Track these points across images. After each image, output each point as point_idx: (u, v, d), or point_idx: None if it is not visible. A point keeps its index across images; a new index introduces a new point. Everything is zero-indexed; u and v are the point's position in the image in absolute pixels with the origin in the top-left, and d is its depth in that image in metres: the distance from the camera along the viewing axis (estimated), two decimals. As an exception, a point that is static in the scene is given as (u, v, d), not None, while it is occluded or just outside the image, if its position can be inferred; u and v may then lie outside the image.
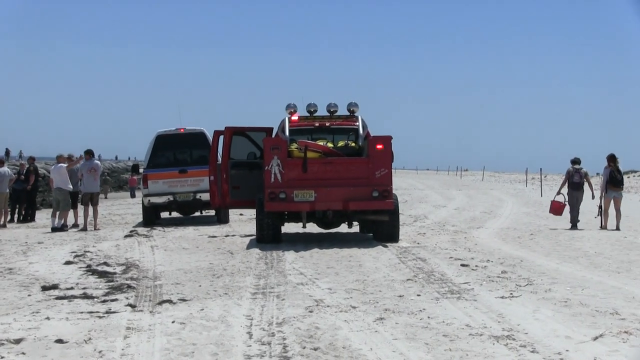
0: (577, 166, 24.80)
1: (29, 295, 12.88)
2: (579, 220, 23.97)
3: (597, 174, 41.56)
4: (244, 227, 24.88)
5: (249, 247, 19.01)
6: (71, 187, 26.29)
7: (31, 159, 33.47)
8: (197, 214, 28.93)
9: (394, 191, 19.65)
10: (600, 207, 24.12)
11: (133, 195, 59.88)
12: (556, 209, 25.28)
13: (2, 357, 8.91)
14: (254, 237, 20.59)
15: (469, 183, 69.37)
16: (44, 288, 13.44)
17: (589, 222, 24.79)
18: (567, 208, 24.58)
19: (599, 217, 24.09)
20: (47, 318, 10.90)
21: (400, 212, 20.80)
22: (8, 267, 16.36)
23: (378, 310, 11.19)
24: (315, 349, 9.03)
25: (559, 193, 24.96)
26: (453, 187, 59.81)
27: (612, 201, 24.04)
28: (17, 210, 31.06)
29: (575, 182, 24.67)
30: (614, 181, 24.38)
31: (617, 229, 23.09)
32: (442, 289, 12.85)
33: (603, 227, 23.68)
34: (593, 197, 24.74)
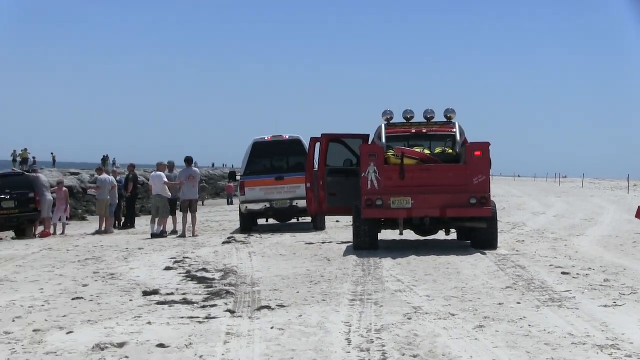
0: None
1: (130, 300, 13.08)
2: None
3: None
4: (340, 234, 24.88)
5: (346, 254, 19.00)
6: (170, 194, 26.65)
7: (131, 167, 34.03)
8: (294, 220, 29.03)
9: (491, 198, 19.46)
10: None
11: (230, 202, 60.45)
12: None
13: (106, 361, 9.07)
14: (350, 244, 20.56)
15: (568, 190, 68.31)
16: (145, 293, 13.64)
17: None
18: None
19: None
20: (149, 323, 11.05)
21: (498, 219, 20.54)
22: (110, 272, 16.65)
23: (477, 318, 11.09)
24: (415, 356, 8.96)
25: None
26: (552, 194, 58.97)
27: None
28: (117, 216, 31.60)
29: None
30: None
31: None
32: (543, 297, 12.66)
33: None
34: None
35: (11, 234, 29.86)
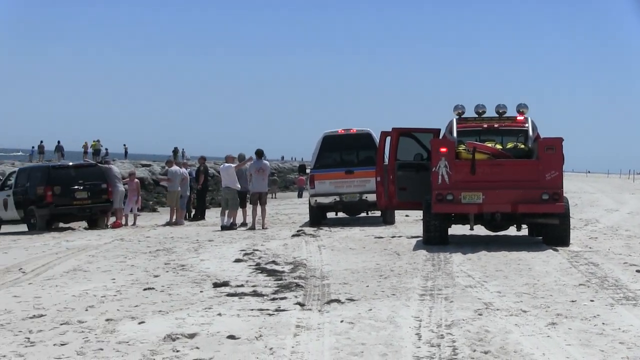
0: None
1: (201, 291, 13.19)
2: None
3: None
4: (410, 228, 24.79)
5: (416, 248, 18.94)
6: (239, 186, 26.78)
7: (202, 159, 34.26)
8: (363, 214, 29.00)
9: (564, 194, 19.26)
10: None
11: (300, 195, 60.49)
12: None
13: (177, 351, 9.14)
14: (420, 238, 20.48)
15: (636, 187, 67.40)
16: (215, 285, 13.74)
17: None
18: None
19: None
20: (219, 314, 11.13)
21: (570, 215, 20.33)
22: (181, 263, 16.80)
23: (550, 315, 10.98)
24: (486, 352, 8.92)
25: None
26: (625, 190, 58.19)
27: None
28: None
29: None
30: None
31: None
32: (617, 295, 12.48)
33: None
34: None
35: (84, 224, 30.29)
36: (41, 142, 76.03)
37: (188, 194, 30.93)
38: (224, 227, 25.81)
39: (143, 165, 60.64)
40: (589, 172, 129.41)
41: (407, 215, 29.11)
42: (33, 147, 78.39)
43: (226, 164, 27.39)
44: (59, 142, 74.29)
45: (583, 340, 9.53)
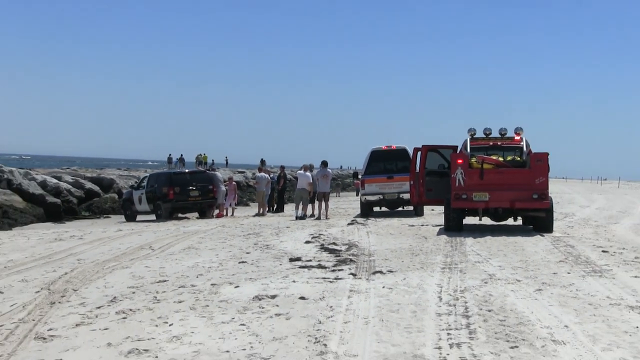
0: None
1: (280, 264, 13.24)
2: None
3: None
4: (435, 219, 24.63)
5: (439, 234, 18.84)
6: (310, 189, 26.97)
7: (282, 168, 34.73)
8: (400, 209, 28.89)
9: (549, 194, 19.17)
10: None
11: (358, 194, 60.07)
12: None
13: (262, 308, 9.24)
14: (442, 226, 20.39)
15: (607, 189, 66.15)
16: (291, 260, 13.78)
17: None
18: None
19: None
20: (293, 281, 11.19)
21: (553, 210, 20.19)
22: (265, 244, 16.88)
23: (537, 283, 10.91)
24: (489, 311, 8.91)
25: None
26: (594, 192, 57.22)
27: None
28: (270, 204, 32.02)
29: None
30: None
31: None
32: (587, 269, 12.36)
33: None
34: None
35: (196, 215, 30.56)
36: (181, 155, 75.21)
37: (270, 192, 31.08)
38: (297, 218, 25.93)
39: (239, 172, 60.84)
40: (566, 178, 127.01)
41: (432, 210, 28.89)
42: (170, 157, 76.31)
43: (302, 171, 27.62)
44: (181, 155, 74.48)
45: (561, 302, 9.48)
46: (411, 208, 27.56)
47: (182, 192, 28.99)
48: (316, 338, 7.71)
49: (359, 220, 24.53)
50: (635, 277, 11.60)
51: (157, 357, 7.23)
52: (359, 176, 28.75)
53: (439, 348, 7.30)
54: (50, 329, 8.47)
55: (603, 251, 14.97)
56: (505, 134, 20.64)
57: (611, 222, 23.43)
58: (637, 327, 8.14)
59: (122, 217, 31.78)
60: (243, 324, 8.40)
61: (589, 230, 20.06)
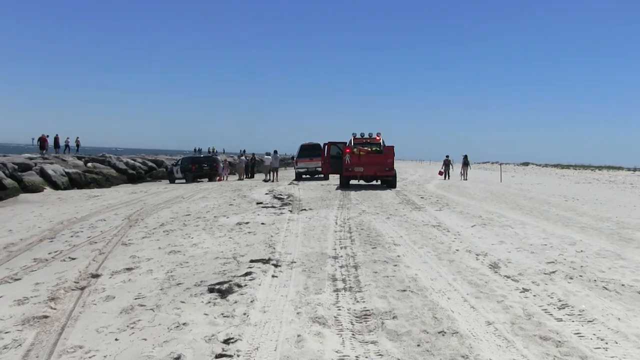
0: (449, 158, 26.84)
1: (251, 206, 13.03)
2: (466, 179, 23.23)
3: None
4: (334, 182, 24.56)
5: (336, 189, 18.81)
6: (269, 165, 26.70)
7: (253, 154, 34.23)
8: (317, 177, 28.60)
9: (395, 168, 19.34)
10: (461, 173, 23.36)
11: (294, 168, 59.10)
12: (440, 174, 26.69)
13: (241, 228, 9.11)
14: (338, 186, 20.41)
15: (425, 166, 67.58)
16: (257, 203, 13.60)
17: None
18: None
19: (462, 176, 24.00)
20: (258, 214, 11.05)
21: (397, 176, 20.43)
22: (243, 195, 16.58)
23: (386, 214, 11.06)
24: (363, 229, 9.00)
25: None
26: (420, 167, 58.35)
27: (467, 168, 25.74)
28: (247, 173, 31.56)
29: (446, 162, 27.08)
30: (465, 161, 26.10)
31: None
32: (411, 207, 12.57)
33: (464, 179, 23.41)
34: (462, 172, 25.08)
35: (206, 179, 29.88)
36: (200, 148, 69.80)
37: (244, 166, 30.59)
38: (264, 181, 25.65)
39: (230, 157, 59.67)
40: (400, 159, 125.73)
41: (333, 177, 28.94)
42: (195, 148, 70.14)
43: (265, 156, 27.34)
44: (200, 148, 70.77)
45: (399, 224, 9.63)
46: (322, 176, 27.62)
47: (199, 167, 28.24)
48: (269, 244, 7.69)
49: (295, 182, 24.41)
50: (437, 210, 11.90)
51: (184, 254, 7.13)
52: (294, 158, 28.58)
53: (335, 249, 7.38)
54: (129, 239, 8.31)
55: (421, 197, 15.24)
56: (372, 135, 20.76)
57: (424, 183, 23.89)
58: (436, 236, 8.40)
59: (167, 182, 30.84)
60: (230, 237, 8.31)
61: (414, 187, 20.38)
